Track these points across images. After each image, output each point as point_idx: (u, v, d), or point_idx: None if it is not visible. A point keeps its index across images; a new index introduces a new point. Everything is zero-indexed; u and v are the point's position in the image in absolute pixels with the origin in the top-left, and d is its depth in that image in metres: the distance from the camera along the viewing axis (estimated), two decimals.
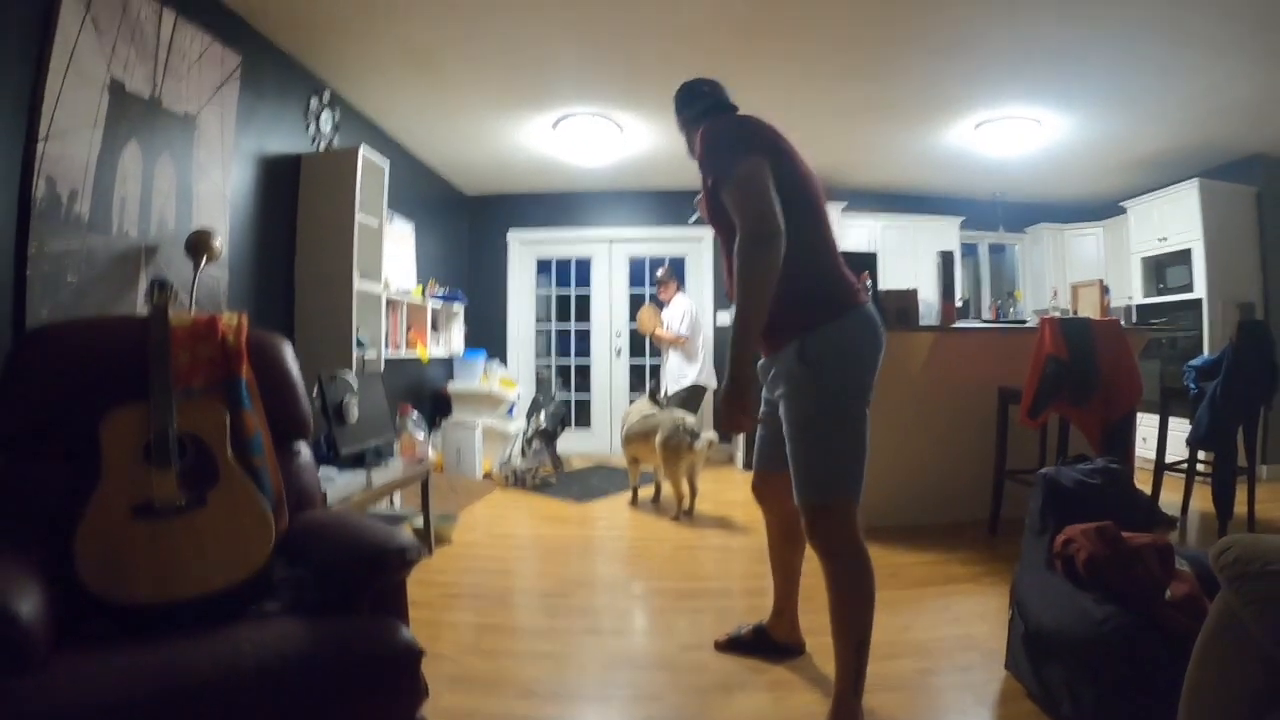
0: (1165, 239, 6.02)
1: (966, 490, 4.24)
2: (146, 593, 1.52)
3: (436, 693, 1.88)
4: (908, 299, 4.05)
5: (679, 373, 6.14)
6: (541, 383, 7.59)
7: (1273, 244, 5.75)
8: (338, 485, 3.03)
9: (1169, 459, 4.23)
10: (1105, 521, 2.06)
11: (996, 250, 7.81)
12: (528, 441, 6.64)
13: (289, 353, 2.19)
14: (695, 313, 6.21)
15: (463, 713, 2.12)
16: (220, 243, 3.12)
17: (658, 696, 2.26)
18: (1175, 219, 5.91)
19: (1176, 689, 1.37)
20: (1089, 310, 5.16)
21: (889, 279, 5.22)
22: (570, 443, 7.12)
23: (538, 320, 7.73)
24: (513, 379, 6.90)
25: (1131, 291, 6.42)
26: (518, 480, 5.68)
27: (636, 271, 7.56)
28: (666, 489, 4.89)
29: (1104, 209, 7.10)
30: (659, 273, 6.48)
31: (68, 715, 1.20)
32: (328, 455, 3.31)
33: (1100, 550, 1.97)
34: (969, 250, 7.61)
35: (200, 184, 3.36)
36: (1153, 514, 2.56)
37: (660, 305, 6.38)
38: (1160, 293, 6.18)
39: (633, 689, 2.32)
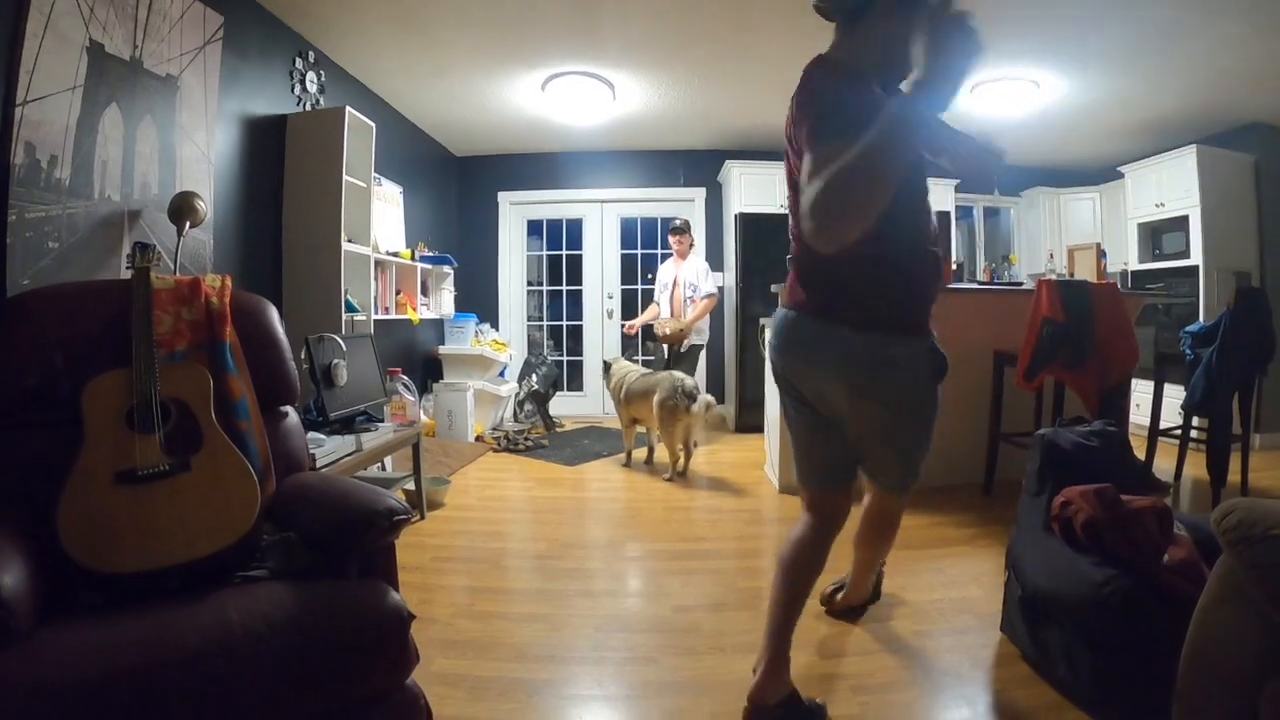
0: (1162, 205, 5.97)
1: (961, 453, 4.22)
2: (131, 560, 1.49)
3: (429, 657, 1.87)
4: None
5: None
6: (533, 345, 7.58)
7: (1270, 212, 5.71)
8: (327, 449, 3.00)
9: (1163, 425, 4.23)
10: (1104, 484, 2.05)
11: (991, 214, 7.75)
12: (520, 404, 6.63)
13: (274, 315, 2.15)
14: None
15: (455, 676, 2.12)
16: (204, 206, 3.06)
17: (651, 659, 2.26)
18: (1173, 185, 5.85)
19: (1175, 653, 1.37)
20: (1085, 274, 5.14)
21: None
22: (562, 405, 7.12)
23: (529, 282, 7.67)
24: (504, 341, 6.86)
25: (1127, 257, 6.38)
26: (510, 443, 5.65)
27: (628, 232, 7.49)
28: (660, 450, 4.86)
29: (1101, 174, 7.02)
30: (677, 221, 6.00)
31: (52, 689, 1.18)
32: (317, 419, 3.28)
33: (1099, 513, 1.96)
34: (964, 213, 7.53)
35: (183, 147, 3.28)
36: (1146, 481, 2.57)
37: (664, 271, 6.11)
38: (1156, 259, 6.14)
39: (626, 651, 2.32)
